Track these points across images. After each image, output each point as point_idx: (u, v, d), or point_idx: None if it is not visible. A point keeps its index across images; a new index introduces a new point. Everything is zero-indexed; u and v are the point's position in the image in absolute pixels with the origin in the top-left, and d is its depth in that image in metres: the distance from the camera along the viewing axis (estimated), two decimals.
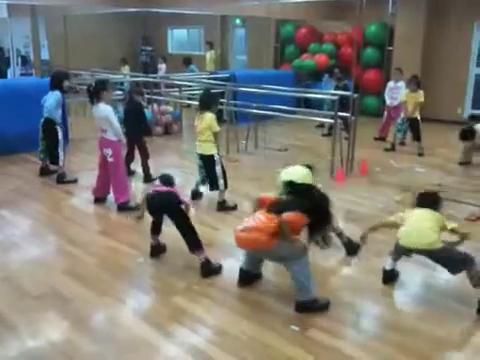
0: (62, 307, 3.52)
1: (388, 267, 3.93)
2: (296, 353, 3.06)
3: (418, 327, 3.36)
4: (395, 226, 3.84)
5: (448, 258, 3.65)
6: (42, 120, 6.45)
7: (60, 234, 4.86)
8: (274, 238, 3.38)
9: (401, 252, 3.85)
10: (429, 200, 3.91)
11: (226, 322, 3.39)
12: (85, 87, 6.07)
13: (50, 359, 2.99)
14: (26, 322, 3.33)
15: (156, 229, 4.29)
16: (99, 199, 5.69)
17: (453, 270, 3.68)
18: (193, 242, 4.03)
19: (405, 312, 3.63)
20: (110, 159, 5.38)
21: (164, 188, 4.21)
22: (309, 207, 3.46)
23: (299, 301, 3.51)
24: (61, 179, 6.48)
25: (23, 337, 3.18)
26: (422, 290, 3.95)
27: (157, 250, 4.34)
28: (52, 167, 6.70)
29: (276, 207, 3.52)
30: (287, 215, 3.38)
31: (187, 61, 13.08)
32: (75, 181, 6.50)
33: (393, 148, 8.54)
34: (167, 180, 4.30)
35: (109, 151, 5.36)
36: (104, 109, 5.29)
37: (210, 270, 4.00)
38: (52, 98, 6.35)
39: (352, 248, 4.44)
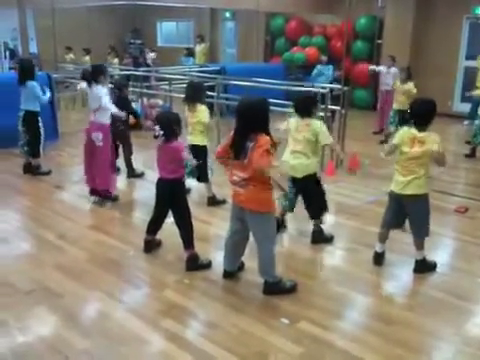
0: (52, 302, 3.51)
1: (379, 250, 4.07)
2: (287, 346, 3.07)
3: (408, 318, 3.39)
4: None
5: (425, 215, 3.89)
6: (22, 113, 6.30)
7: (50, 229, 4.82)
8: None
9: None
10: None
11: (217, 315, 3.40)
12: (75, 81, 6.03)
13: (40, 354, 2.98)
14: (16, 318, 3.31)
15: (153, 228, 4.24)
16: (94, 190, 5.53)
17: (420, 229, 3.91)
18: (190, 239, 4.02)
19: (395, 304, 3.65)
20: (100, 143, 5.32)
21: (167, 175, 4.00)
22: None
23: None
24: (35, 170, 6.46)
25: (13, 333, 3.16)
26: (411, 282, 3.97)
27: (151, 245, 4.30)
28: (33, 162, 6.52)
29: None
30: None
31: (189, 52, 13.45)
32: (49, 173, 6.49)
33: (386, 140, 8.62)
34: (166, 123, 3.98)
35: (99, 135, 5.32)
36: (101, 90, 5.37)
37: (196, 265, 3.99)
38: (36, 89, 6.21)
39: (321, 238, 4.50)
